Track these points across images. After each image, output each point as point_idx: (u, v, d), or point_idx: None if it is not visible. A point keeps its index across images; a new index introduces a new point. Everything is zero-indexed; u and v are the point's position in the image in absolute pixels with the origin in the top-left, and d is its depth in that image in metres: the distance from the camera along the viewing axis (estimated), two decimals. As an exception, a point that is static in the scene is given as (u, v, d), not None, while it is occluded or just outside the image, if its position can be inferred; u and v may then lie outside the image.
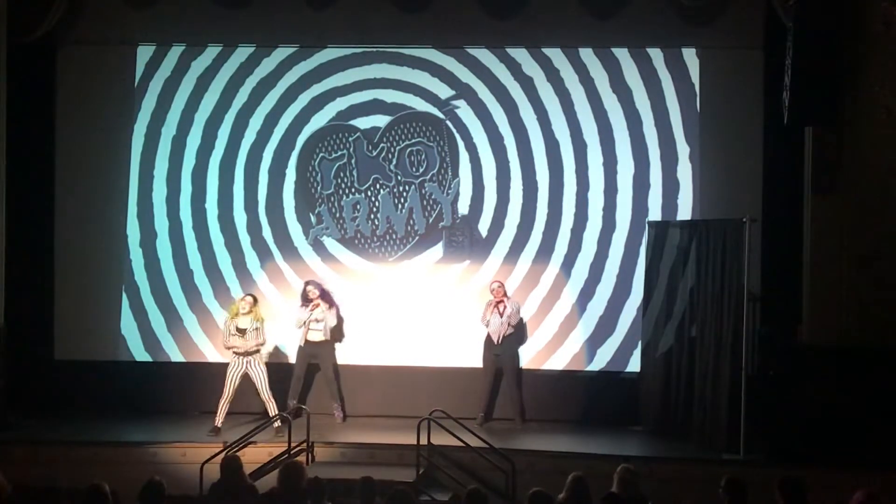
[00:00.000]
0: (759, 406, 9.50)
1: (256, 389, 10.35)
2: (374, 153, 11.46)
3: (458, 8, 11.23)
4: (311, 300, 10.66)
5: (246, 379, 10.30)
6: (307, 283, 10.80)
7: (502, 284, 10.80)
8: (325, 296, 10.75)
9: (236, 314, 10.31)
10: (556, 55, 11.29)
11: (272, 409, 10.25)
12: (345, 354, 11.13)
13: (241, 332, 10.25)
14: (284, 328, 10.93)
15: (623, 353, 11.10)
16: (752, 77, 10.80)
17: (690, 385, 10.27)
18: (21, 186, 10.94)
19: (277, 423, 10.06)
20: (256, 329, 10.27)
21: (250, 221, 11.52)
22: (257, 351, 10.32)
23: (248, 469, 7.76)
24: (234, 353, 10.27)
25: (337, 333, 10.98)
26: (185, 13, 11.46)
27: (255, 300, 10.44)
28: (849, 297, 9.55)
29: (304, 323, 10.65)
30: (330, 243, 11.49)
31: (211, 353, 11.16)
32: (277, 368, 10.87)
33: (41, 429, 10.32)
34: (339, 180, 11.47)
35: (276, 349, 11.07)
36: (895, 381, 9.22)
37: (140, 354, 11.45)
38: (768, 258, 10.49)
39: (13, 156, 10.71)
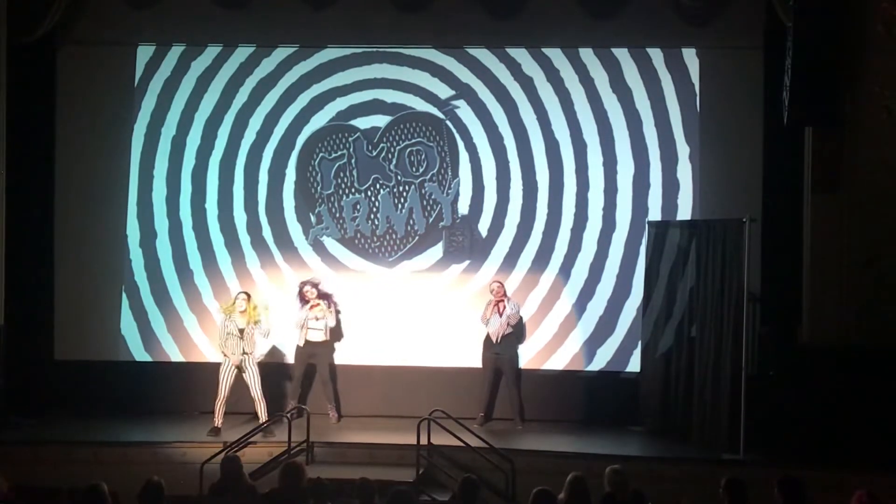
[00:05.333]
0: (759, 406, 9.50)
1: (248, 388, 10.33)
2: (374, 153, 11.45)
3: (458, 8, 11.22)
4: (309, 300, 10.64)
5: (240, 376, 10.28)
6: (303, 284, 10.76)
7: (502, 284, 10.81)
8: (324, 295, 10.74)
9: (232, 311, 10.27)
10: (556, 55, 11.29)
11: (262, 409, 10.23)
12: (345, 354, 11.12)
13: (241, 332, 10.24)
14: (284, 328, 10.90)
15: (623, 353, 11.10)
16: (752, 77, 10.78)
17: (690, 385, 10.27)
18: (21, 186, 10.93)
19: (266, 425, 9.99)
20: (253, 327, 10.26)
21: (250, 221, 11.52)
22: (252, 351, 10.31)
23: (248, 469, 7.77)
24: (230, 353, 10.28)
25: (336, 333, 10.97)
26: (185, 13, 11.46)
27: (249, 296, 10.42)
28: (849, 297, 9.56)
29: (303, 323, 10.64)
30: (330, 243, 11.49)
31: (211, 353, 11.13)
32: (276, 369, 10.88)
33: (41, 429, 10.33)
34: (339, 180, 11.47)
35: (275, 349, 11.07)
36: (895, 381, 9.22)
37: (140, 354, 11.44)
38: (768, 258, 10.48)
39: (13, 156, 10.73)
